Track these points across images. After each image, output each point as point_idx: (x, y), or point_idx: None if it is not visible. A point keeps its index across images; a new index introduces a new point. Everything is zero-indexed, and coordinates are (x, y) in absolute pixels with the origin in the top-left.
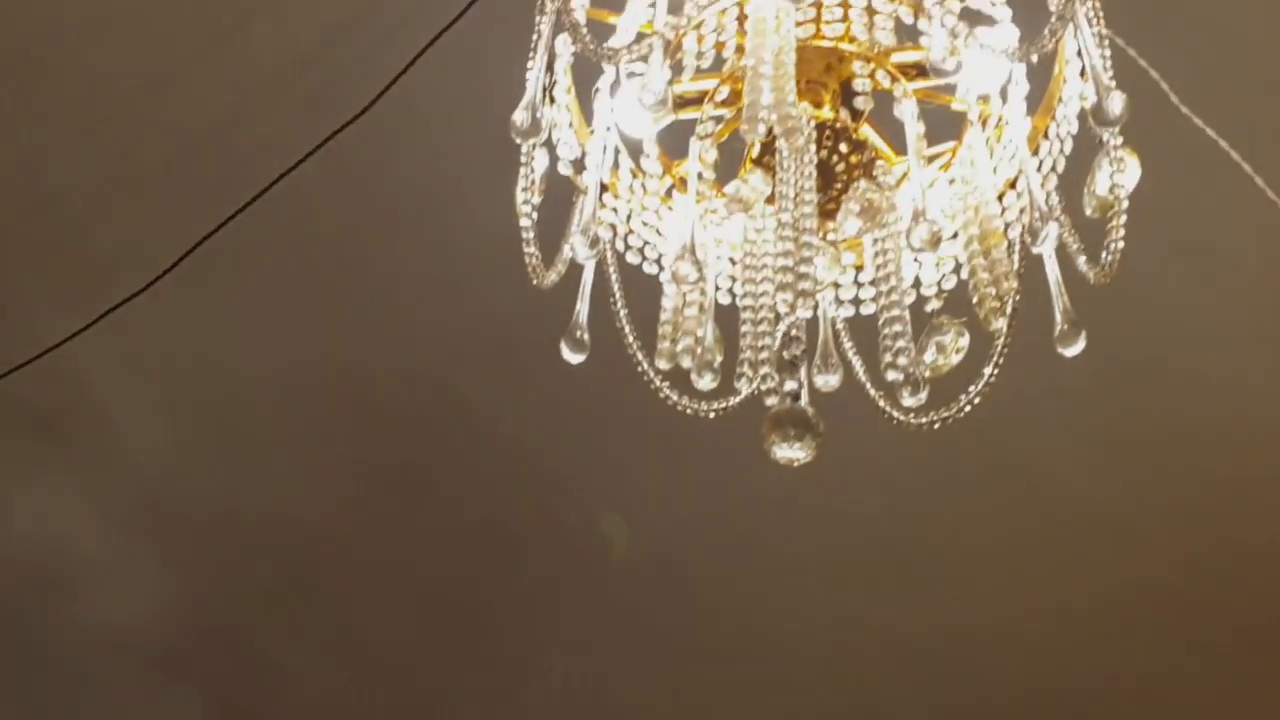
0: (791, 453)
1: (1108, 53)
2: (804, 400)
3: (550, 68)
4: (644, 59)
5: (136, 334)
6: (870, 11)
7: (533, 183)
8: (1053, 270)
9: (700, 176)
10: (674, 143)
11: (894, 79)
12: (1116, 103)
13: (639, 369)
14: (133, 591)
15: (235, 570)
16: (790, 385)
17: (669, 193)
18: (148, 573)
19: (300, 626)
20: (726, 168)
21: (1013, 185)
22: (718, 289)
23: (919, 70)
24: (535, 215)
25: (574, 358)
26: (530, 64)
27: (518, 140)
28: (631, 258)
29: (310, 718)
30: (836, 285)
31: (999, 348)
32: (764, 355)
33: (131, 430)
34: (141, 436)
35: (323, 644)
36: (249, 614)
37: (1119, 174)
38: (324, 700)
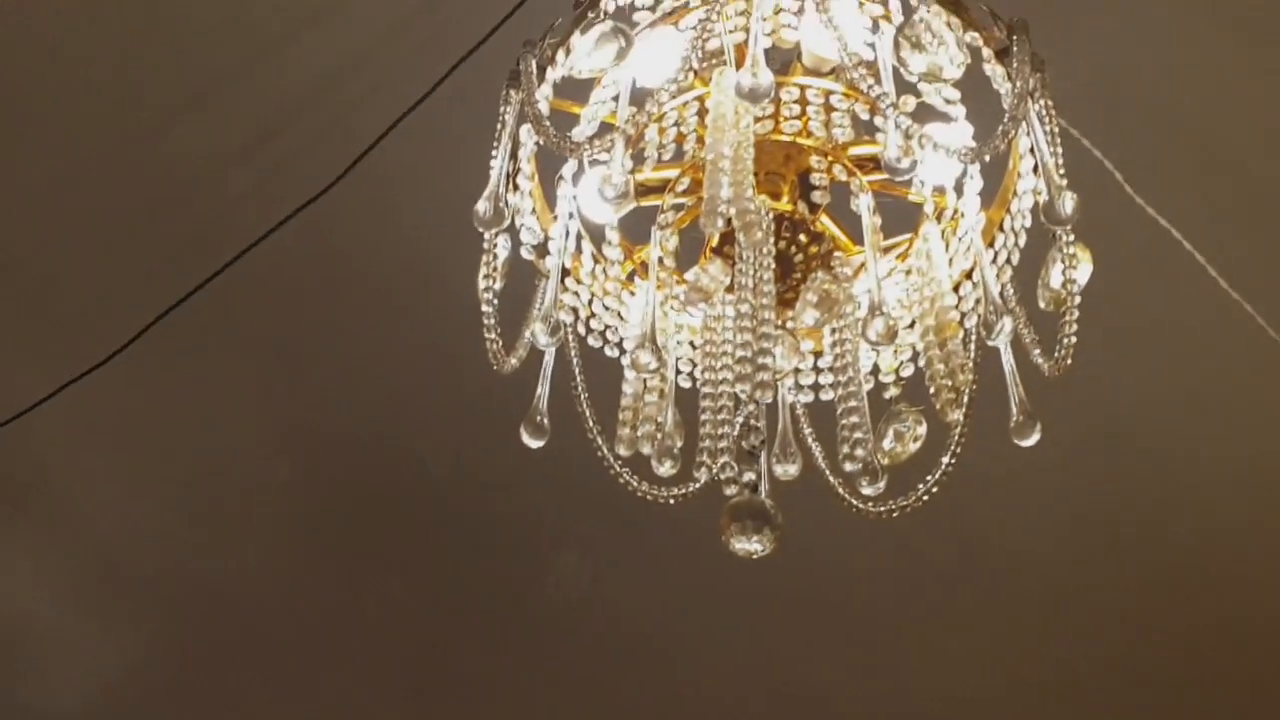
0: (749, 545)
1: (1060, 150)
2: (763, 490)
3: (514, 155)
4: (606, 151)
5: (100, 401)
6: (827, 108)
7: (494, 269)
8: (1008, 361)
9: (661, 263)
10: (636, 227)
11: (850, 172)
12: (1068, 203)
13: (599, 454)
14: (90, 662)
15: (196, 640)
16: (748, 476)
17: (631, 277)
18: (106, 643)
19: (261, 697)
20: (689, 252)
21: (969, 276)
22: (679, 373)
23: (876, 163)
24: (496, 301)
25: (533, 442)
26: (494, 152)
27: (480, 230)
28: (593, 341)
29: None
30: (797, 371)
31: (955, 438)
32: (723, 444)
33: (92, 497)
34: (103, 504)
35: (285, 715)
36: (209, 684)
37: (1071, 270)
38: None
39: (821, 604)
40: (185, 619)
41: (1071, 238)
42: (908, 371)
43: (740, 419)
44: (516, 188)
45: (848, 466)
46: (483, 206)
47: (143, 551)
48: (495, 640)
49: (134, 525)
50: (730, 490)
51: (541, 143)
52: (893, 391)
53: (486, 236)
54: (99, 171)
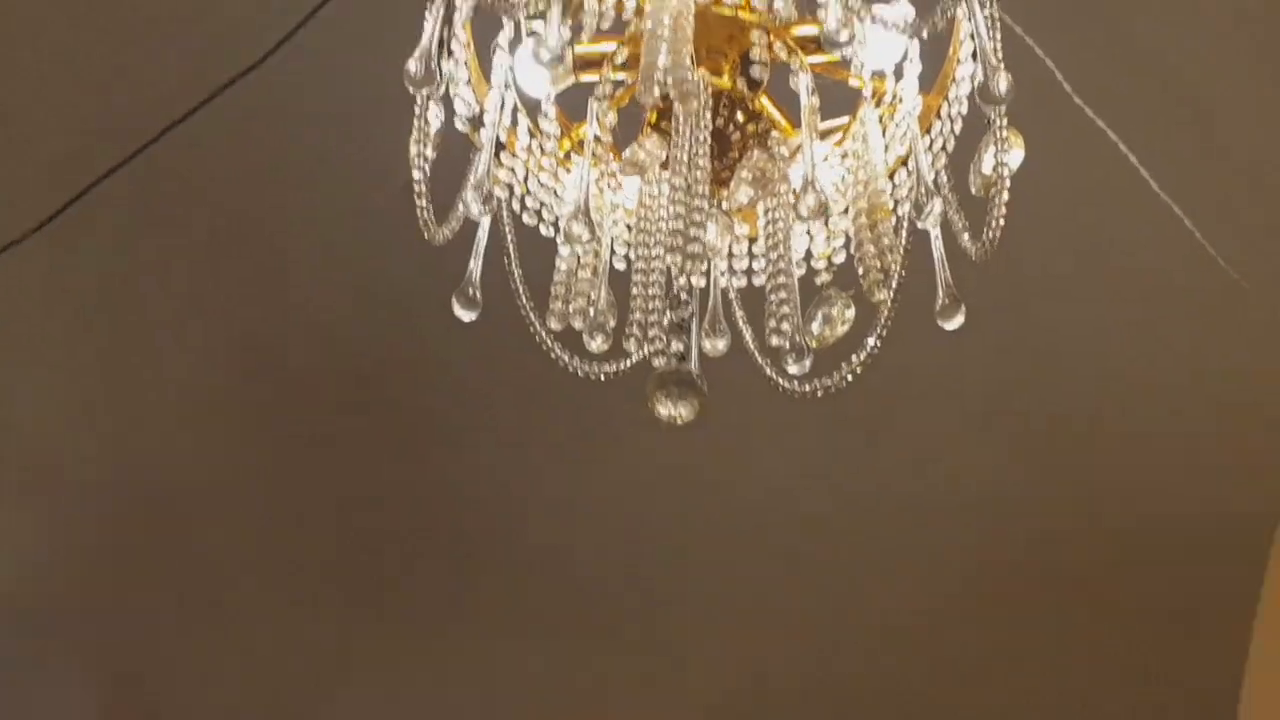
0: (673, 410)
1: (998, 34)
2: (692, 363)
3: (449, 20)
4: (542, 15)
5: (17, 284)
6: None
7: (426, 135)
8: (937, 247)
9: (597, 139)
10: (574, 105)
11: (791, 51)
12: (1002, 82)
13: (531, 330)
14: (9, 554)
15: (118, 535)
16: (676, 346)
17: (567, 156)
18: (25, 535)
19: (182, 594)
20: (628, 133)
21: (904, 163)
22: (613, 254)
23: (818, 44)
24: (428, 169)
25: (465, 315)
26: (428, 13)
27: (411, 90)
28: (528, 219)
29: (192, 686)
30: (731, 254)
31: (883, 319)
32: (654, 318)
33: (13, 386)
34: (24, 393)
35: (205, 613)
36: (131, 580)
37: (1003, 153)
38: (203, 669)
39: (748, 500)
40: (109, 510)
41: (1005, 121)
42: (840, 258)
43: (670, 293)
44: (450, 55)
45: (775, 341)
46: (413, 66)
47: (66, 439)
48: (440, 547)
49: (56, 412)
50: (659, 361)
51: (477, 4)
52: (824, 278)
53: (418, 100)
54: (13, 54)
